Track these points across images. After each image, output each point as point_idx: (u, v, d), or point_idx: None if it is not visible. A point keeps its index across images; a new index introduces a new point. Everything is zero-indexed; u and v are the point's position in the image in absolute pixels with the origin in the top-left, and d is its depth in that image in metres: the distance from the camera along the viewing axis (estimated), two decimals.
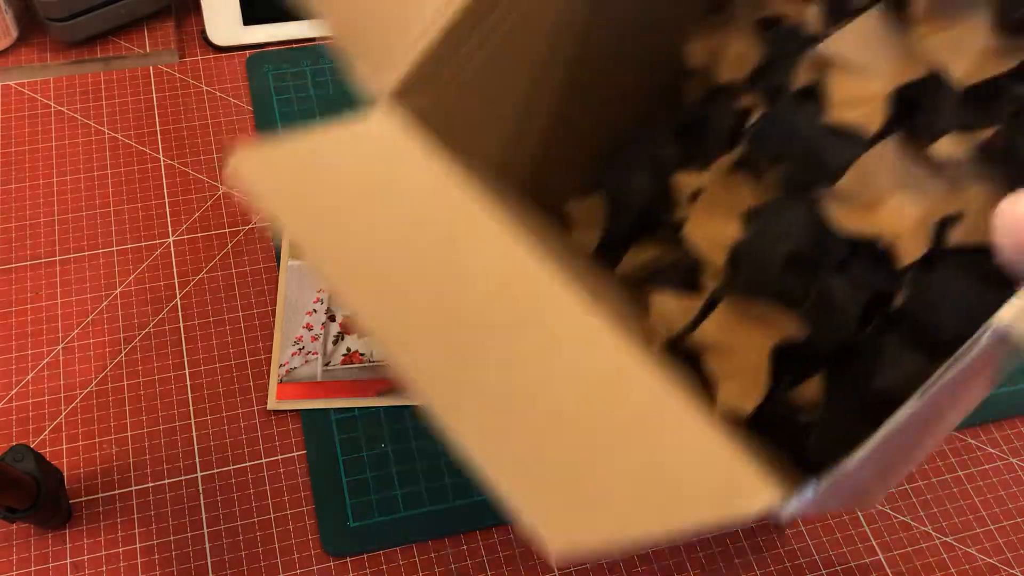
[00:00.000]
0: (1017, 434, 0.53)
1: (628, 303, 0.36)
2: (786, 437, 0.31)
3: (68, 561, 0.46)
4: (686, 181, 0.36)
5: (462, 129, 0.32)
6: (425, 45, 0.28)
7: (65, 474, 0.48)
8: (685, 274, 0.36)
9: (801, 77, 0.33)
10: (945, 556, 0.49)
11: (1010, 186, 0.29)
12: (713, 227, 0.34)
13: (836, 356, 0.31)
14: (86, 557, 0.46)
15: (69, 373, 0.51)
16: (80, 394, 0.51)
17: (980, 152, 0.31)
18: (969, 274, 0.30)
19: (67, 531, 0.47)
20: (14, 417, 0.50)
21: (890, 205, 0.31)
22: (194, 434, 0.50)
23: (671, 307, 0.34)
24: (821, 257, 0.32)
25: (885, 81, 0.32)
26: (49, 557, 0.46)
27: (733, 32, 0.38)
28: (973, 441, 0.53)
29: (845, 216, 0.31)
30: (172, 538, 0.47)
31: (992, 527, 0.50)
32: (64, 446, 0.49)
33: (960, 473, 0.52)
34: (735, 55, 0.38)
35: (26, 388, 0.51)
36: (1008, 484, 0.51)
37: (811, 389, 0.32)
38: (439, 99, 0.29)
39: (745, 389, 0.31)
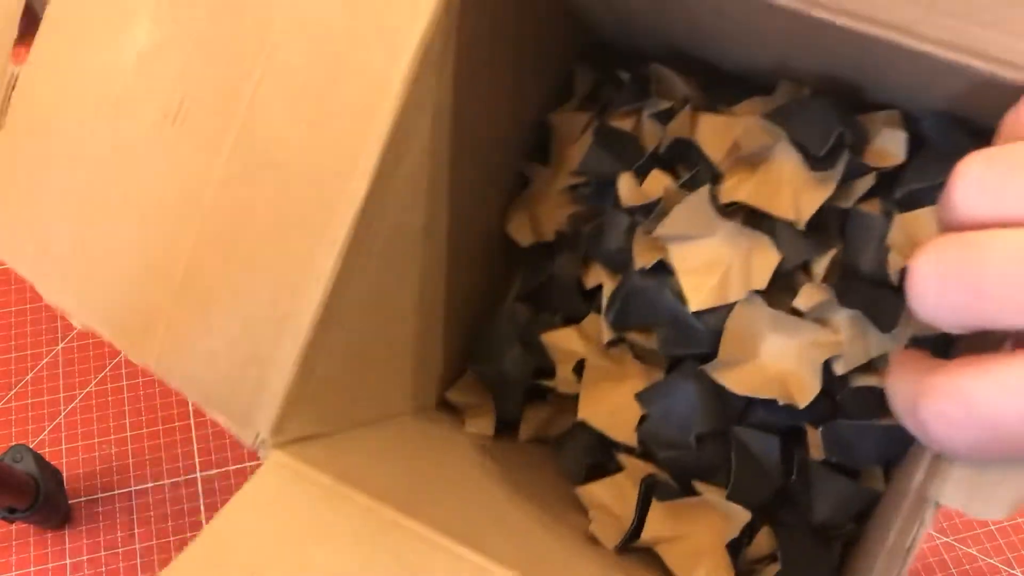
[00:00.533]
0: None
1: (558, 496, 0.37)
2: None
3: (67, 561, 0.46)
4: (557, 342, 0.38)
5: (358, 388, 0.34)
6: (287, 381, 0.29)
7: (65, 474, 0.48)
8: (596, 451, 0.37)
9: (643, 256, 0.35)
10: (946, 556, 0.49)
11: (866, 308, 0.32)
12: (609, 405, 0.36)
13: (772, 504, 0.33)
14: (85, 557, 0.46)
15: (69, 373, 0.51)
16: (80, 394, 0.51)
17: (831, 281, 0.33)
18: (869, 403, 0.32)
19: (66, 531, 0.47)
20: (13, 417, 0.50)
21: (768, 353, 0.33)
22: (194, 434, 0.50)
23: (600, 495, 0.35)
24: (727, 420, 0.34)
25: (726, 245, 0.34)
26: (48, 557, 0.46)
27: (546, 199, 0.40)
28: None
29: (735, 382, 0.33)
30: (172, 538, 0.47)
31: (992, 527, 0.50)
32: (64, 446, 0.49)
33: None
34: (552, 218, 0.40)
35: (26, 388, 0.51)
36: None
37: (762, 542, 0.33)
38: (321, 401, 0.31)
39: (713, 572, 0.32)
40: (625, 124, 0.39)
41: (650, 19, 0.37)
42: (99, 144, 0.32)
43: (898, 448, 0.32)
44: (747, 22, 0.32)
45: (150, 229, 0.31)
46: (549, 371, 0.37)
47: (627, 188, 0.35)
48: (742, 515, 0.32)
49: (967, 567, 0.48)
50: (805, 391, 0.32)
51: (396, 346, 0.36)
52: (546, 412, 0.38)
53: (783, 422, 0.34)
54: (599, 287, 0.37)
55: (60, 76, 0.33)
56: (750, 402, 0.34)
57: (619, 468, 0.35)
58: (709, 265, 0.34)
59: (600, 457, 0.37)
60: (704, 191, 0.33)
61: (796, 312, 0.33)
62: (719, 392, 0.33)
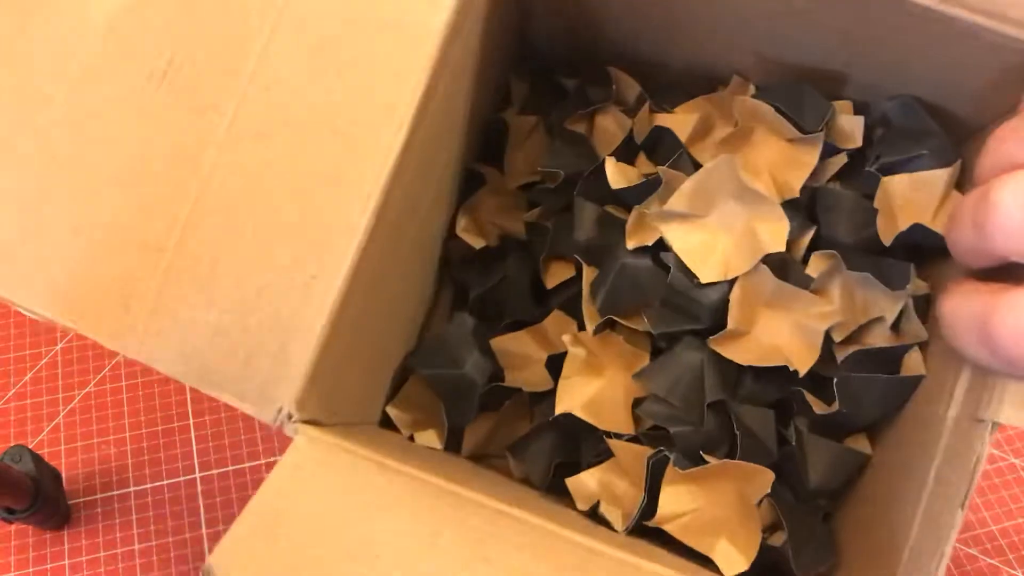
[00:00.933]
0: (1020, 434, 0.53)
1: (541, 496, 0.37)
2: (769, 563, 0.32)
3: (66, 562, 0.45)
4: (510, 346, 0.37)
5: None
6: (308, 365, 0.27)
7: (63, 474, 0.48)
8: (563, 449, 0.37)
9: (637, 237, 0.35)
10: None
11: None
12: (590, 395, 0.35)
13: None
14: (84, 558, 0.46)
15: (68, 373, 0.51)
16: (79, 394, 0.50)
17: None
18: (868, 366, 0.33)
19: (65, 532, 0.46)
20: (12, 417, 0.49)
21: (769, 324, 0.34)
22: (193, 435, 0.50)
23: (592, 483, 0.35)
24: (730, 392, 0.35)
25: (728, 219, 0.35)
26: (47, 558, 0.45)
27: (495, 201, 0.40)
28: None
29: (737, 353, 0.33)
30: (171, 539, 0.46)
31: (994, 528, 0.50)
32: (63, 446, 0.49)
33: None
34: (503, 219, 0.40)
35: (25, 388, 0.50)
36: (1010, 485, 0.51)
37: (764, 513, 0.33)
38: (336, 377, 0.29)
39: (739, 544, 0.32)
40: (578, 128, 0.40)
41: (621, 22, 0.38)
42: (59, 115, 0.29)
43: (897, 401, 0.33)
44: (741, 12, 0.33)
45: (129, 199, 0.29)
46: (500, 378, 0.37)
47: (614, 171, 0.36)
48: (767, 475, 0.32)
49: (968, 568, 0.48)
50: (804, 359, 0.33)
51: (388, 327, 0.35)
52: (486, 428, 0.38)
53: (772, 395, 0.35)
54: (558, 286, 0.37)
55: (8, 51, 0.30)
56: (740, 375, 0.35)
57: (597, 459, 0.35)
58: (712, 239, 0.34)
59: (569, 454, 0.37)
60: (726, 159, 0.33)
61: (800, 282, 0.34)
62: (722, 363, 0.34)
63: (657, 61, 0.39)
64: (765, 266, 0.33)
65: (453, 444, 0.38)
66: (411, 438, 0.37)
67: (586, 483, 0.35)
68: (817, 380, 0.34)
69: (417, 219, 0.35)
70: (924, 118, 0.34)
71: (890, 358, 0.33)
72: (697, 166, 0.35)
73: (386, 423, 0.37)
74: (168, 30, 0.30)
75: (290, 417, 0.26)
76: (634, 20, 0.37)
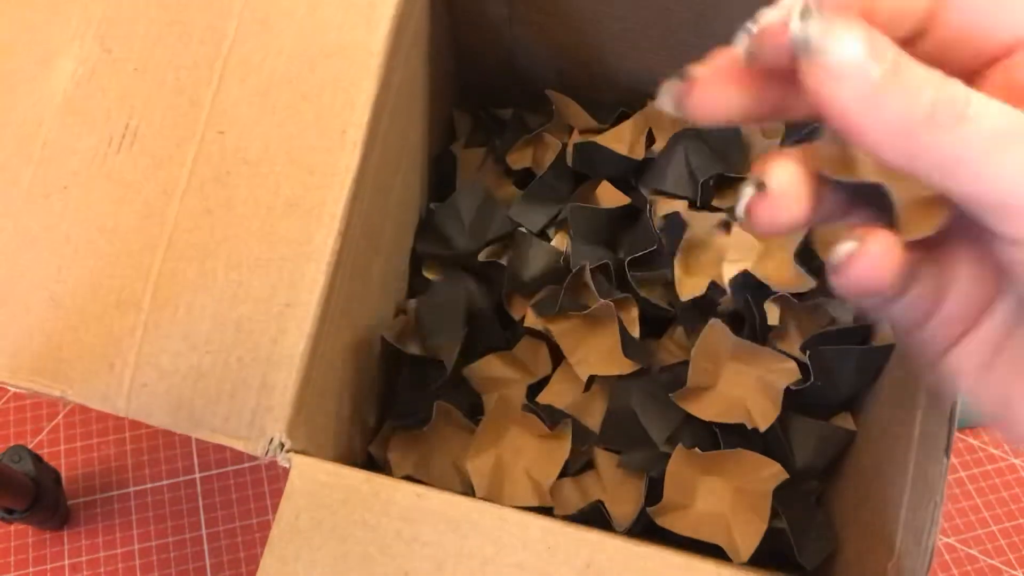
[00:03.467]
0: None
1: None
2: (774, 551, 0.33)
3: (66, 562, 0.45)
4: (483, 372, 0.38)
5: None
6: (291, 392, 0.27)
7: (63, 475, 0.47)
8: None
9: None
10: (948, 557, 0.48)
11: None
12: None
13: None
14: (84, 558, 0.46)
15: None
16: None
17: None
18: (839, 341, 0.34)
19: (65, 532, 0.46)
20: (12, 418, 0.49)
21: (729, 379, 0.35)
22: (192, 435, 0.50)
23: (575, 491, 0.36)
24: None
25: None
26: (47, 558, 0.45)
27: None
28: (975, 442, 0.53)
29: (701, 409, 0.34)
30: (171, 539, 0.46)
31: (994, 528, 0.50)
32: (62, 447, 0.49)
33: (963, 474, 0.51)
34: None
35: None
36: (1011, 485, 0.51)
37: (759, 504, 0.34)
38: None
39: (745, 536, 0.33)
40: (525, 154, 0.42)
41: (553, 51, 0.40)
42: (27, 193, 0.30)
43: (872, 371, 0.34)
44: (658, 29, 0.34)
45: (101, 261, 0.29)
46: (478, 406, 0.38)
47: (608, 194, 0.38)
48: (775, 466, 0.33)
49: (968, 568, 0.48)
50: (766, 416, 0.34)
51: (365, 352, 0.36)
52: (418, 453, 0.38)
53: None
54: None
55: None
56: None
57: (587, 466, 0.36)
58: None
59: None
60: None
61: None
62: (689, 420, 0.35)
63: (592, 82, 0.40)
64: (722, 324, 0.34)
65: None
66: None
67: (571, 490, 0.35)
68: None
69: (384, 240, 0.35)
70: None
71: (859, 334, 0.34)
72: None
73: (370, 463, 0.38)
74: (123, 97, 0.31)
75: (282, 447, 0.27)
76: (565, 49, 0.39)
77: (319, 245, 0.28)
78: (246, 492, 0.48)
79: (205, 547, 0.46)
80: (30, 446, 0.48)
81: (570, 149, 0.39)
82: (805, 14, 0.15)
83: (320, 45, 0.30)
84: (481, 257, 0.40)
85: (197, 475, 0.48)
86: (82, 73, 0.31)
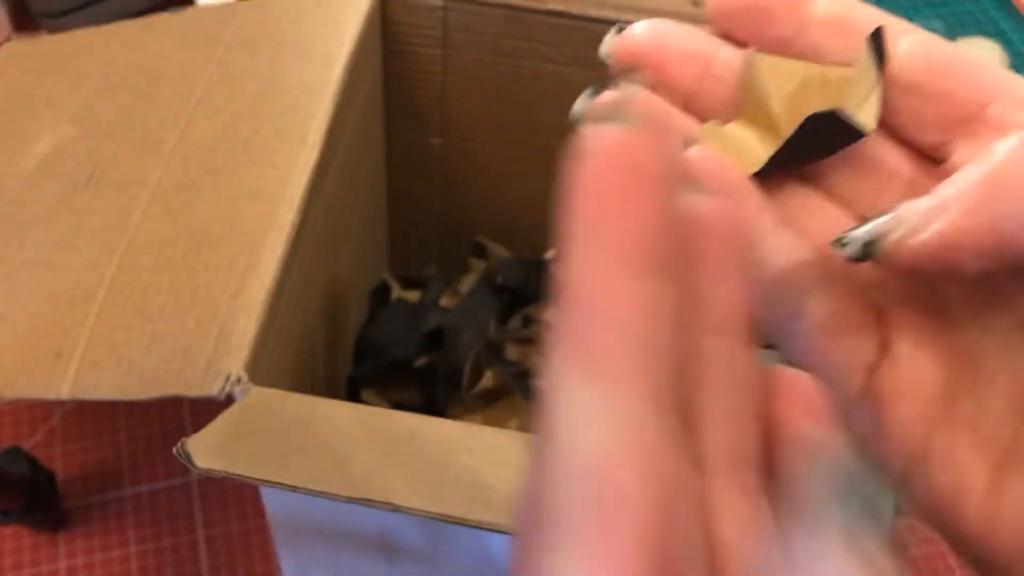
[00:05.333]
0: None
1: None
2: None
3: (62, 564, 0.45)
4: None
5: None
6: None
7: (59, 477, 0.47)
8: None
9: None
10: (951, 561, 0.48)
11: None
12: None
13: None
14: (79, 561, 0.45)
15: None
16: None
17: None
18: None
19: (61, 535, 0.46)
20: (7, 419, 0.49)
21: None
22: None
23: None
24: None
25: None
26: (42, 561, 0.45)
27: None
28: None
29: None
30: (167, 542, 0.46)
31: None
32: (58, 448, 0.48)
33: None
34: None
35: None
36: None
37: None
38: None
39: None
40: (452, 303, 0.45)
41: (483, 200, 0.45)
42: None
43: None
44: None
45: (57, 273, 0.30)
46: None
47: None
48: None
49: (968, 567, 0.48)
50: None
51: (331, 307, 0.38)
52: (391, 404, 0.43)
53: None
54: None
55: None
56: None
57: None
58: None
59: None
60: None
61: None
62: None
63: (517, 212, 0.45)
64: None
65: None
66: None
67: None
68: None
69: (354, 217, 0.39)
70: None
71: None
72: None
73: None
74: (93, 155, 0.33)
75: (239, 381, 0.26)
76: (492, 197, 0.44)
77: (282, 218, 0.30)
78: (242, 495, 0.48)
79: (201, 550, 0.46)
80: (26, 448, 0.48)
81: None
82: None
83: (281, 85, 0.33)
84: (417, 364, 0.42)
85: (194, 478, 0.48)
86: (56, 147, 0.34)
